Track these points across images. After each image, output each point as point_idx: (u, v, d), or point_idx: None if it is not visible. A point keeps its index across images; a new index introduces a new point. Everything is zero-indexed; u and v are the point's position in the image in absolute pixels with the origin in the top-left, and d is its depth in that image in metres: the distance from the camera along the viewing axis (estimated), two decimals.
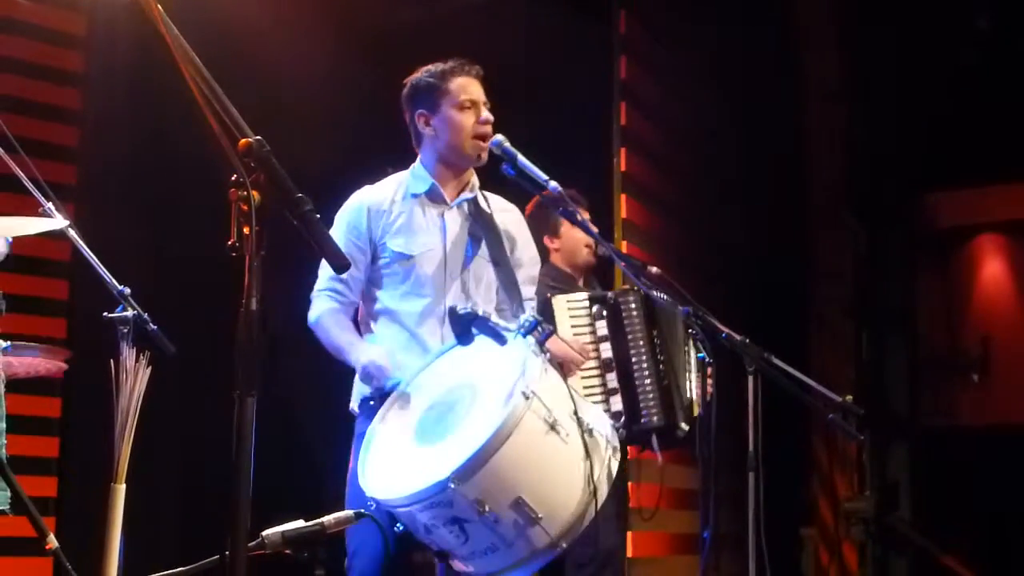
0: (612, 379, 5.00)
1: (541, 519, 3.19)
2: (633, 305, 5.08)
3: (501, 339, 3.42)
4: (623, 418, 4.98)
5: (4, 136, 3.91)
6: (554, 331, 3.49)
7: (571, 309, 5.02)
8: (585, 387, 4.94)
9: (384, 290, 3.97)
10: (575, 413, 3.32)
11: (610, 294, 5.10)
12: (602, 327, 5.05)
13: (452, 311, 3.48)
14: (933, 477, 9.03)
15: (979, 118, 8.47)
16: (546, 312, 4.96)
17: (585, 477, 3.27)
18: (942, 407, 9.31)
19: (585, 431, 3.31)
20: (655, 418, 5.01)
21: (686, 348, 5.18)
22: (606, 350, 5.03)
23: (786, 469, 7.49)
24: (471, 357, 3.53)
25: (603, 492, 3.30)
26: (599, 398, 4.98)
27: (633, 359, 5.05)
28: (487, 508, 3.15)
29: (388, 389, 3.70)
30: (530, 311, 3.51)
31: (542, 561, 3.28)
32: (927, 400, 9.33)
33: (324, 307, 3.96)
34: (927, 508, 9.02)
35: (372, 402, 3.79)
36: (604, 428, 3.43)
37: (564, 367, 4.82)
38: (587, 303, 5.05)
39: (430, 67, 4.04)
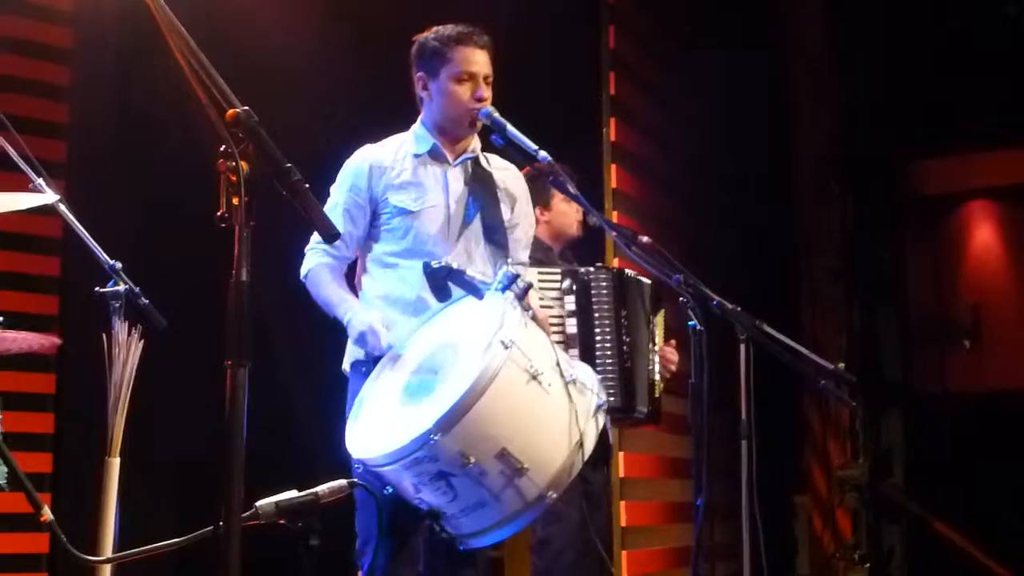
0: (574, 355, 4.99)
1: (528, 470, 3.18)
2: (604, 283, 5.06)
3: (478, 292, 3.42)
4: None
5: None
6: (531, 285, 3.49)
7: (542, 281, 5.00)
8: None
9: (385, 246, 3.97)
10: (557, 364, 3.31)
11: (582, 270, 5.07)
12: (570, 302, 5.02)
13: (426, 266, 3.49)
14: (926, 443, 9.06)
15: (969, 83, 8.46)
16: None
17: (570, 428, 3.25)
18: (934, 374, 9.34)
19: (569, 382, 3.30)
20: (612, 398, 5.01)
21: (651, 325, 5.17)
22: (571, 325, 5.01)
23: (779, 437, 7.52)
24: (458, 317, 3.53)
25: (590, 443, 3.28)
26: None
27: (597, 337, 5.02)
28: (472, 460, 3.14)
29: (380, 354, 3.71)
30: (514, 268, 3.50)
31: (532, 515, 3.27)
32: (919, 367, 9.36)
33: (317, 261, 3.98)
34: (920, 474, 9.06)
35: (364, 367, 3.81)
36: (590, 382, 3.42)
37: None
38: (559, 277, 5.04)
39: (440, 28, 4.04)
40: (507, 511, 3.24)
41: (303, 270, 4.01)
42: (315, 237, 4.03)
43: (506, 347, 3.19)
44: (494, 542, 3.39)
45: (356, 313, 3.80)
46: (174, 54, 2.31)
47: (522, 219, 4.18)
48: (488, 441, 3.16)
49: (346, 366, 3.98)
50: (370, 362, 3.78)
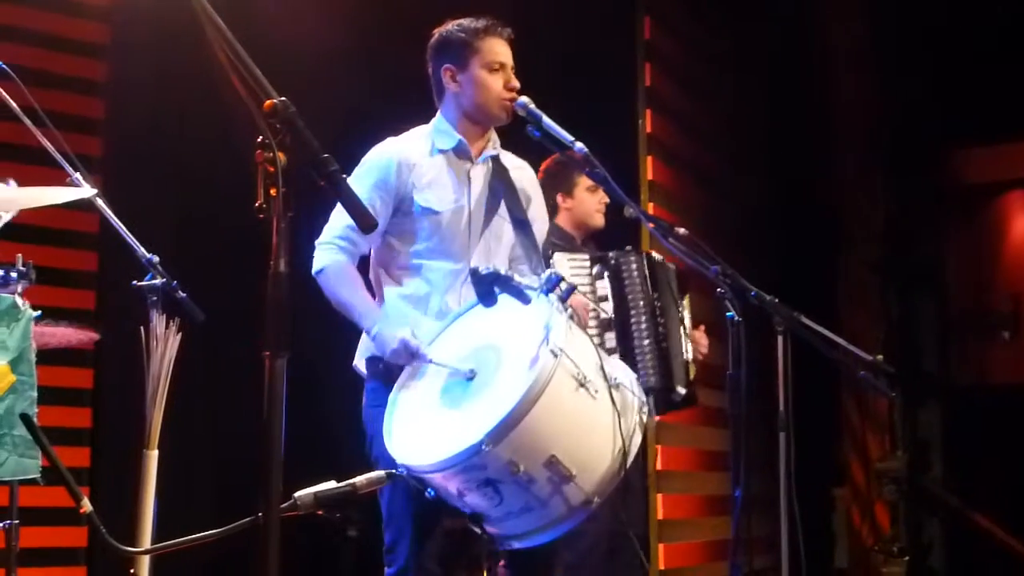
0: (611, 339, 5.00)
1: (575, 476, 3.20)
2: (634, 267, 5.06)
3: (525, 298, 3.41)
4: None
5: (31, 108, 3.92)
6: (575, 288, 3.48)
7: (572, 267, 5.01)
8: None
9: (407, 245, 3.92)
10: (601, 368, 3.33)
11: (611, 254, 5.08)
12: (603, 287, 5.04)
13: (474, 272, 3.47)
14: (965, 436, 8.99)
15: (1009, 72, 8.38)
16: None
17: (615, 432, 3.27)
18: (973, 365, 9.26)
19: (612, 386, 3.32)
20: (652, 379, 4.99)
21: (680, 308, 5.16)
22: (606, 311, 5.03)
23: (818, 429, 7.49)
24: (491, 318, 3.52)
25: (634, 447, 3.30)
26: None
27: (632, 320, 5.03)
28: (521, 468, 3.16)
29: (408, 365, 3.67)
30: (551, 269, 3.50)
31: (576, 520, 3.29)
32: (958, 359, 9.29)
33: (333, 258, 3.86)
34: (959, 467, 8.99)
35: (380, 363, 3.76)
36: (631, 384, 3.43)
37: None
38: (588, 263, 5.05)
39: (463, 21, 3.99)
40: (552, 516, 3.27)
41: (316, 266, 3.88)
42: (333, 230, 3.92)
43: (555, 355, 3.20)
44: (537, 544, 3.40)
45: (385, 326, 3.71)
46: (211, 46, 2.30)
47: (536, 220, 4.13)
48: (538, 450, 3.18)
49: (359, 363, 3.92)
50: (389, 360, 3.71)
